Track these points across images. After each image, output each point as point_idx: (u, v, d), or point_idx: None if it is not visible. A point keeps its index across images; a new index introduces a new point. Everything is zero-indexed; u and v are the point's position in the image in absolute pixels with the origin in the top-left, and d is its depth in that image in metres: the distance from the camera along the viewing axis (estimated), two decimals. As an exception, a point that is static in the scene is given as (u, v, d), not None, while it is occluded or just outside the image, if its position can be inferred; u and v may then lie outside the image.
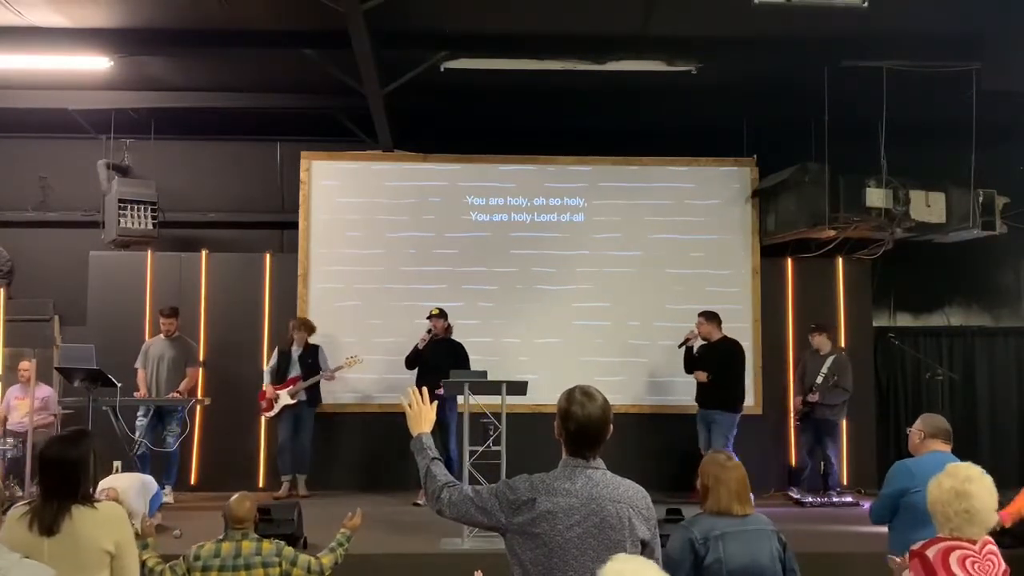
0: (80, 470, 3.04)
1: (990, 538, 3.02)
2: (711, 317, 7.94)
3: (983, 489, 3.00)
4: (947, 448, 4.07)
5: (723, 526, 3.32)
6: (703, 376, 7.83)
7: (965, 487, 2.98)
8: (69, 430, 3.26)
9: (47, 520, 2.97)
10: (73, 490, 3.02)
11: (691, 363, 7.99)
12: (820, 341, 8.22)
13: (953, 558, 2.91)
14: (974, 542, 2.96)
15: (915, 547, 3.02)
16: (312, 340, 8.27)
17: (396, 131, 8.59)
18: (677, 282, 8.88)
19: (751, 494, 3.47)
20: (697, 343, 8.00)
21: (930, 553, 2.95)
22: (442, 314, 8.00)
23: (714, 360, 7.84)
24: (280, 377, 8.13)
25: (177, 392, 7.91)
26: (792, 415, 8.33)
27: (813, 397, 8.00)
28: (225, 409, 8.38)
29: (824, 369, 8.08)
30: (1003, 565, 2.98)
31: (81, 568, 2.96)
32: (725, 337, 7.92)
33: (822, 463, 8.18)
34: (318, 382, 8.18)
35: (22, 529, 2.97)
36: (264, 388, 8.21)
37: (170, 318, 8.09)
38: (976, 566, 2.91)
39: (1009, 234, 8.64)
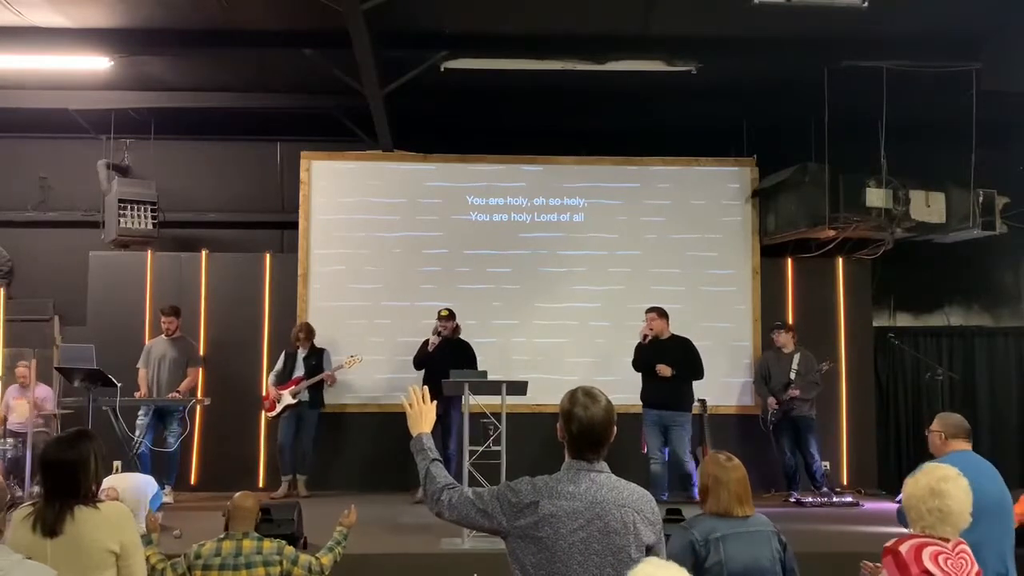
0: (80, 471, 3.04)
1: (963, 539, 3.02)
2: (664, 314, 7.88)
3: (958, 489, 3.00)
4: (968, 446, 4.03)
5: (724, 527, 3.30)
6: (668, 371, 7.66)
7: (940, 486, 2.99)
8: (69, 431, 3.26)
9: (49, 521, 2.97)
10: (74, 491, 3.02)
11: (647, 359, 7.79)
12: (785, 339, 8.21)
13: (926, 554, 2.92)
14: (947, 541, 2.97)
15: (888, 544, 3.03)
16: (318, 343, 8.28)
17: (396, 131, 8.58)
18: (677, 282, 8.87)
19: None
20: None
21: (903, 549, 2.96)
22: (451, 315, 8.04)
23: (678, 357, 7.73)
24: (286, 378, 8.14)
25: (177, 392, 7.90)
26: (767, 419, 8.14)
27: (794, 392, 7.96)
28: (225, 409, 8.38)
29: (795, 365, 8.07)
30: (976, 566, 2.98)
31: (84, 569, 2.96)
32: (675, 335, 7.88)
33: (806, 462, 8.08)
34: (321, 384, 8.18)
35: (26, 530, 2.98)
36: (268, 389, 8.23)
37: (170, 316, 8.08)
38: (949, 563, 2.92)
39: (1009, 234, 8.66)
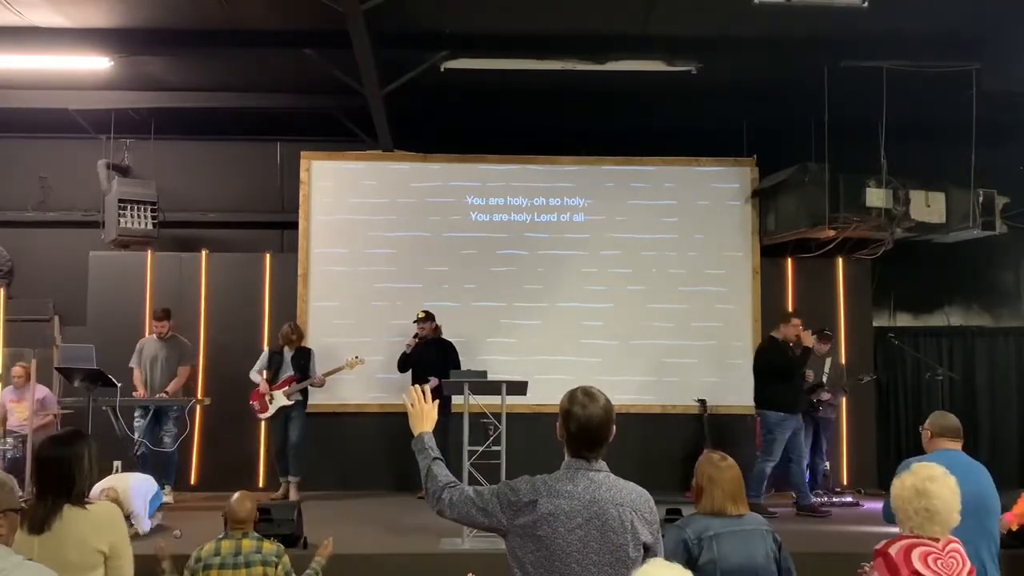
0: (73, 470, 3.05)
1: (955, 538, 3.01)
2: (784, 319, 7.80)
3: (944, 488, 3.00)
4: (956, 446, 4.05)
5: (717, 526, 3.31)
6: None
7: (926, 486, 2.99)
8: (64, 430, 3.27)
9: (38, 519, 2.98)
10: (66, 490, 3.03)
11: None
12: (822, 347, 8.25)
13: (915, 555, 2.92)
14: (936, 540, 2.96)
15: (878, 546, 3.03)
16: (308, 343, 8.24)
17: (396, 131, 8.58)
18: (677, 282, 8.87)
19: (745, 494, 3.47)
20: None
21: (892, 551, 2.96)
22: (428, 316, 8.00)
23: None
24: (272, 378, 8.03)
25: (166, 392, 7.83)
26: None
27: (826, 395, 8.05)
28: (225, 409, 8.36)
29: (827, 369, 8.16)
30: (968, 564, 2.97)
31: (70, 568, 2.94)
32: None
33: (813, 460, 8.20)
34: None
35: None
36: (259, 388, 8.01)
37: (162, 320, 7.95)
38: (939, 563, 2.91)
39: (1009, 234, 8.67)
